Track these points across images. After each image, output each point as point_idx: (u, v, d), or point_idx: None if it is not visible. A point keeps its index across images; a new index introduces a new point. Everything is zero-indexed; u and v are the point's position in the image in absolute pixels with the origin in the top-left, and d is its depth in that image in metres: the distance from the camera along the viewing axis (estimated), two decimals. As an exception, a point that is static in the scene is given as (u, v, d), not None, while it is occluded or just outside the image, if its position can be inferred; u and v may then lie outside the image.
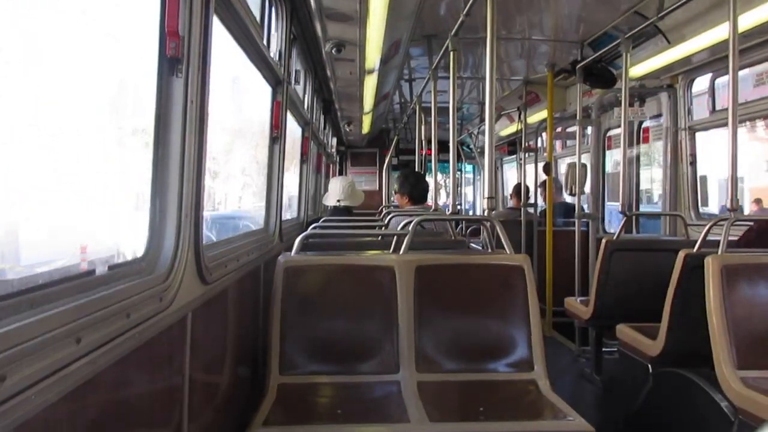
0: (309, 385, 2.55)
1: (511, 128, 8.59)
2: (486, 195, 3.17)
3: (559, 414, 2.28)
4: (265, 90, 3.48)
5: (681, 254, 3.07)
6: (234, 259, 2.38)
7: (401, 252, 2.86)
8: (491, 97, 3.21)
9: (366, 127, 9.12)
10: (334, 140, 10.28)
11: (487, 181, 3.20)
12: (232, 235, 3.00)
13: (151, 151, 1.68)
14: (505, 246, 2.91)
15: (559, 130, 7.53)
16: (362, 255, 3.07)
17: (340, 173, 11.89)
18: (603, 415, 3.93)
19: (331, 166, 10.29)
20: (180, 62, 1.68)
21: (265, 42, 3.16)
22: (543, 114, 6.53)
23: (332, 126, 8.90)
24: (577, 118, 5.43)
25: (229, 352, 2.43)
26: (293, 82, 4.19)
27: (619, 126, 5.00)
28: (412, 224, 3.04)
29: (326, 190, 6.31)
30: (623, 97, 4.38)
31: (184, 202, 1.69)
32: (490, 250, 3.35)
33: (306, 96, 5.49)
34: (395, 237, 3.17)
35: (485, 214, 3.25)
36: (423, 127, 6.93)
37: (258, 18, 3.21)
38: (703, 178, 6.09)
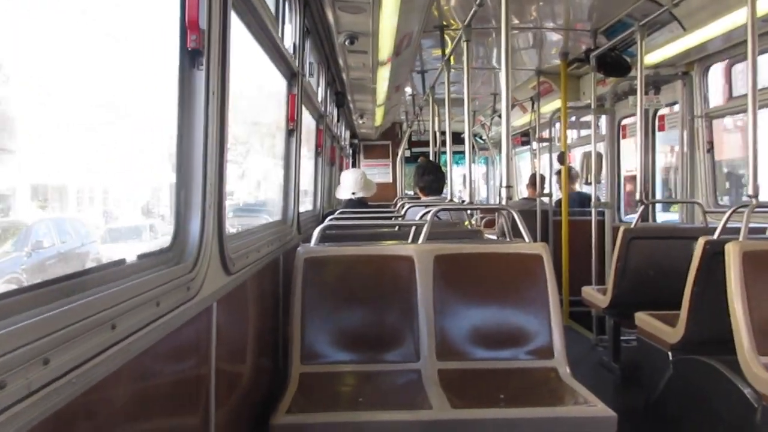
0: (330, 374, 2.57)
1: (524, 119, 8.55)
2: (504, 184, 3.17)
3: (581, 400, 2.29)
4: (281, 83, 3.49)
5: (701, 241, 3.05)
6: (255, 250, 2.40)
7: (420, 242, 2.87)
8: (507, 87, 3.20)
9: (378, 120, 9.12)
10: (347, 133, 10.28)
11: (505, 171, 3.20)
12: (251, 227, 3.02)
13: (175, 143, 1.70)
14: (524, 234, 2.92)
15: (573, 119, 7.48)
16: (381, 245, 3.09)
17: (353, 166, 11.90)
18: (623, 402, 3.92)
19: (344, 158, 10.31)
20: (201, 54, 1.70)
21: (279, 35, 3.18)
22: (556, 104, 6.49)
23: (345, 119, 8.91)
24: (592, 107, 5.39)
25: (251, 341, 2.45)
26: (308, 74, 4.20)
27: (633, 115, 4.97)
28: (430, 214, 3.05)
29: (339, 182, 6.32)
30: (639, 85, 4.34)
31: (207, 193, 1.70)
32: (507, 239, 3.35)
33: (319, 89, 5.51)
34: (413, 227, 3.19)
35: (502, 203, 3.25)
36: (436, 119, 6.91)
37: (273, 11, 3.22)
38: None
